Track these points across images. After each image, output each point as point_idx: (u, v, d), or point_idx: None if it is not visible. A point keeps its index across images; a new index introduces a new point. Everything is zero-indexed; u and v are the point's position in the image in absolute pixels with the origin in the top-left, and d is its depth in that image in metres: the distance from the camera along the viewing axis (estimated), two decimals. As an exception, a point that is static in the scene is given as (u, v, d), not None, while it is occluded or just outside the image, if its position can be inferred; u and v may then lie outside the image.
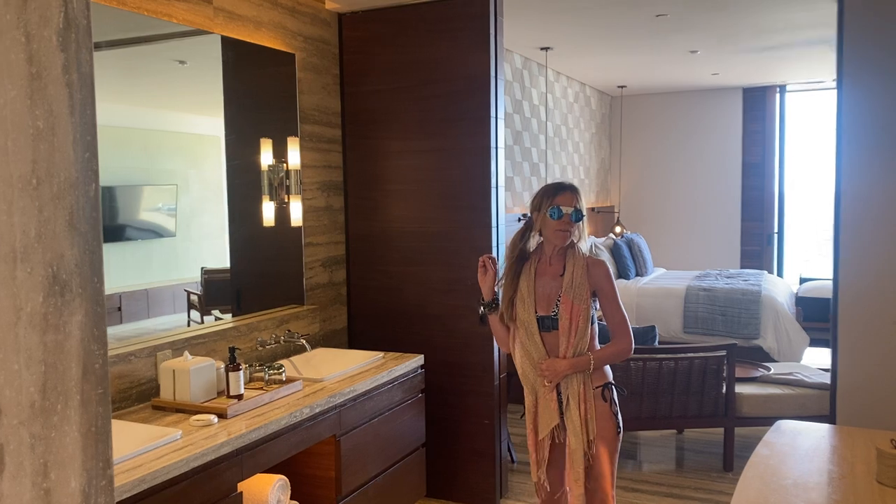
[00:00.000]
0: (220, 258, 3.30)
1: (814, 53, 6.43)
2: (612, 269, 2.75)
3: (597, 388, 2.64)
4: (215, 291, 3.29)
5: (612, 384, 2.68)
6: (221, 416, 2.54)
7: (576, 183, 8.06)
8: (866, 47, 2.89)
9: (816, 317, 6.87)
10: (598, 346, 2.68)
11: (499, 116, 3.73)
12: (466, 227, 3.75)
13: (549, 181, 7.14)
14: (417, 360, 3.45)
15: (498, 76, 3.71)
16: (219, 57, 3.22)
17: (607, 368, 2.70)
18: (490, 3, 3.65)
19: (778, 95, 8.69)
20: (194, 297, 3.17)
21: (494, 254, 3.70)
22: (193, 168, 3.17)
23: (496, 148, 3.71)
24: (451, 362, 3.79)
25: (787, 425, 2.70)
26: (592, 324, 2.66)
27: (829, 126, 8.49)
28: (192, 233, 3.15)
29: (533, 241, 2.75)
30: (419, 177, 3.86)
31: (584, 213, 2.66)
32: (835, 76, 6.90)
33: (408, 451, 3.36)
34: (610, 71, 7.49)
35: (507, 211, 6.05)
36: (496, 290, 2.78)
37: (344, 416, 2.91)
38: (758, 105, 8.75)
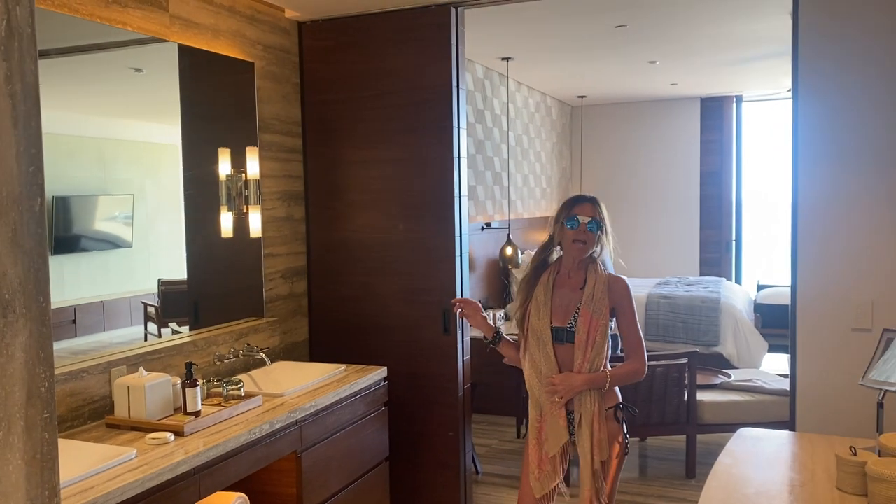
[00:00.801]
0: (178, 269, 3.23)
1: (770, 64, 6.57)
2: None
3: (609, 409, 2.61)
4: (173, 303, 3.22)
5: (623, 405, 2.65)
6: (178, 433, 2.47)
7: (537, 192, 8.13)
8: (820, 60, 2.95)
9: (774, 323, 6.99)
10: (609, 366, 2.62)
11: (461, 126, 3.72)
12: (430, 236, 3.72)
13: (512, 190, 7.21)
14: (380, 373, 3.40)
15: (460, 86, 3.70)
16: (176, 65, 3.15)
17: (617, 388, 2.66)
18: (451, 13, 3.64)
19: (735, 105, 8.85)
20: (152, 310, 3.09)
21: (458, 262, 3.68)
22: (150, 177, 3.10)
23: (458, 158, 3.70)
24: (414, 373, 3.76)
25: (748, 433, 2.73)
26: (608, 341, 2.61)
27: (785, 135, 8.69)
28: (150, 243, 3.08)
29: (554, 255, 2.73)
30: (382, 186, 3.83)
31: (606, 225, 2.61)
32: (790, 87, 7.06)
33: (371, 466, 3.31)
34: (570, 81, 7.55)
35: (471, 220, 6.04)
36: (496, 324, 2.75)
37: (305, 432, 2.85)
38: (715, 115, 8.90)
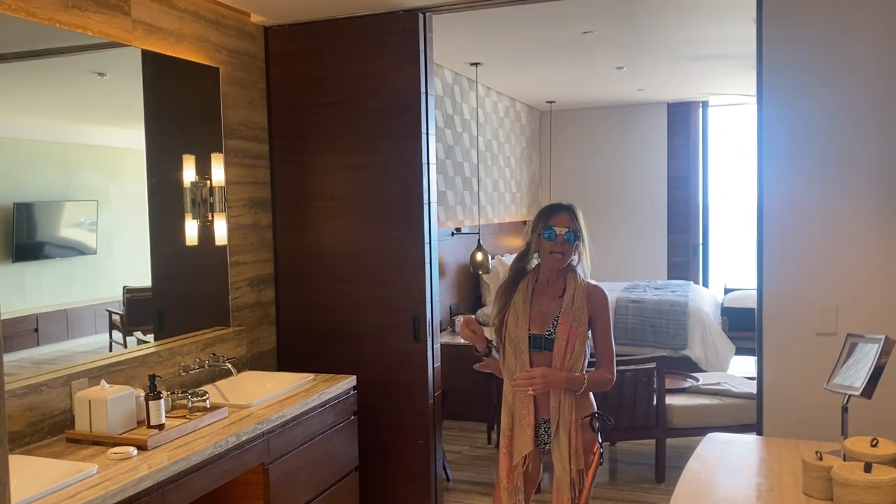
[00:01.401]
0: (143, 277, 3.17)
1: (735, 70, 6.65)
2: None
3: (584, 418, 2.61)
4: (138, 311, 3.15)
5: (598, 413, 2.66)
6: (141, 447, 2.41)
7: (507, 197, 8.13)
8: (784, 65, 2.99)
9: (741, 326, 7.07)
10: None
11: (430, 132, 3.70)
12: (399, 243, 3.69)
13: (482, 195, 7.21)
14: (349, 382, 3.37)
15: (428, 92, 3.69)
16: (139, 69, 3.09)
17: (592, 398, 2.67)
18: (419, 18, 3.62)
19: (701, 111, 8.96)
20: (117, 318, 3.02)
21: (428, 269, 3.66)
22: (115, 183, 3.04)
23: (427, 164, 3.68)
24: (384, 381, 3.72)
25: (717, 438, 2.74)
26: (586, 349, 2.62)
27: (750, 140, 8.81)
28: (115, 250, 3.02)
29: (533, 262, 2.72)
30: (350, 193, 3.79)
31: (583, 234, 2.60)
32: (755, 92, 7.13)
33: (340, 476, 3.27)
34: (539, 86, 7.58)
35: (441, 225, 6.03)
36: (488, 337, 2.73)
37: (272, 443, 2.80)
38: (682, 120, 9.00)
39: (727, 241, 9.19)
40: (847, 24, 2.87)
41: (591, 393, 2.67)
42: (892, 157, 2.79)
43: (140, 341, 3.12)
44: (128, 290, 3.09)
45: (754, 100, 8.04)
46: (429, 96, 3.69)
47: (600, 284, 2.68)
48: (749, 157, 8.85)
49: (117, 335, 3.02)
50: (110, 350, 2.95)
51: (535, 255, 2.70)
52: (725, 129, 9.12)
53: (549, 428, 2.61)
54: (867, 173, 2.86)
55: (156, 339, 3.18)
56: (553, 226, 2.58)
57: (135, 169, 3.11)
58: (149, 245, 3.17)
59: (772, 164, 3.03)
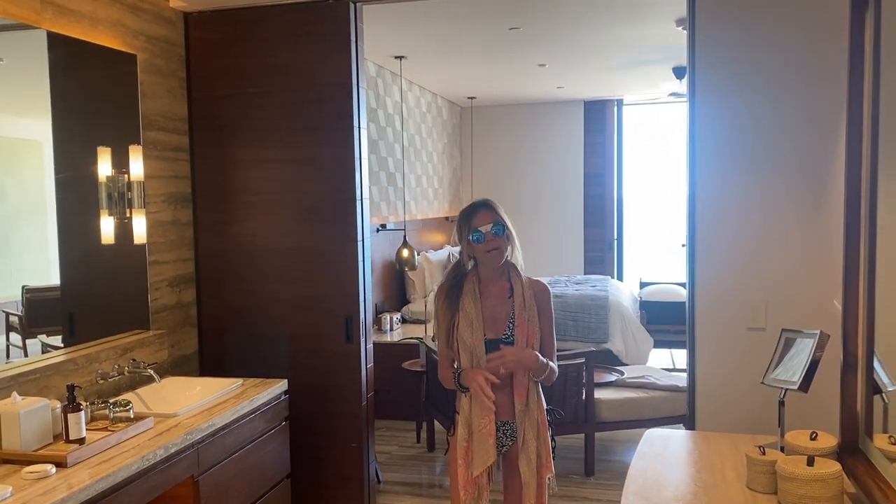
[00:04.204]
0: (46, 275, 2.93)
1: (650, 70, 6.81)
2: None
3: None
4: (41, 312, 2.92)
5: (550, 408, 2.68)
6: (60, 465, 2.21)
7: (430, 193, 8.08)
8: (716, 63, 3.03)
9: (658, 319, 7.27)
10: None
11: (361, 126, 3.60)
12: (330, 240, 3.57)
13: (406, 191, 7.12)
14: (280, 386, 3.23)
15: (360, 84, 3.58)
16: (45, 55, 2.85)
17: (543, 395, 2.65)
18: (350, 8, 3.51)
19: (616, 109, 9.16)
20: (14, 319, 2.78)
21: (360, 268, 3.56)
22: (10, 175, 2.79)
23: (360, 159, 3.57)
24: (315, 385, 3.59)
25: (656, 434, 2.76)
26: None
27: (665, 137, 9.09)
28: (11, 247, 2.78)
29: (469, 265, 2.64)
30: (278, 188, 3.64)
31: (508, 224, 2.55)
32: (671, 91, 7.31)
33: (272, 485, 3.14)
34: (461, 82, 7.56)
35: (364, 221, 5.91)
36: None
37: (202, 454, 2.65)
38: (598, 117, 9.18)
39: (640, 236, 9.45)
40: (777, 22, 2.94)
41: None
42: (821, 154, 2.88)
43: (45, 345, 2.89)
44: (27, 290, 2.85)
45: (668, 98, 8.25)
46: (360, 89, 3.58)
47: (542, 280, 2.66)
48: (662, 153, 9.14)
49: (15, 338, 2.77)
50: (7, 356, 2.70)
51: (471, 260, 2.64)
52: (639, 126, 9.37)
53: (507, 430, 2.57)
54: (796, 171, 2.94)
55: (66, 344, 2.95)
56: (478, 227, 2.53)
57: (35, 161, 2.87)
58: (56, 242, 2.94)
59: (703, 162, 3.08)
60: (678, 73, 6.57)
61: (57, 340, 2.94)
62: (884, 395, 2.20)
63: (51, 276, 2.97)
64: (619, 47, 5.80)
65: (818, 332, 2.38)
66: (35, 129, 2.87)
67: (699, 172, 3.09)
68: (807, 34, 2.89)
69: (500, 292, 2.58)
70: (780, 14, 2.94)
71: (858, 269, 2.32)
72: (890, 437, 2.05)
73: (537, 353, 2.53)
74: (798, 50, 2.92)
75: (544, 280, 7.64)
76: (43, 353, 2.85)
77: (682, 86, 6.59)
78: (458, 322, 2.53)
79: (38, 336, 2.90)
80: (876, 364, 2.22)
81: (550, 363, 2.58)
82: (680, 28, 4.92)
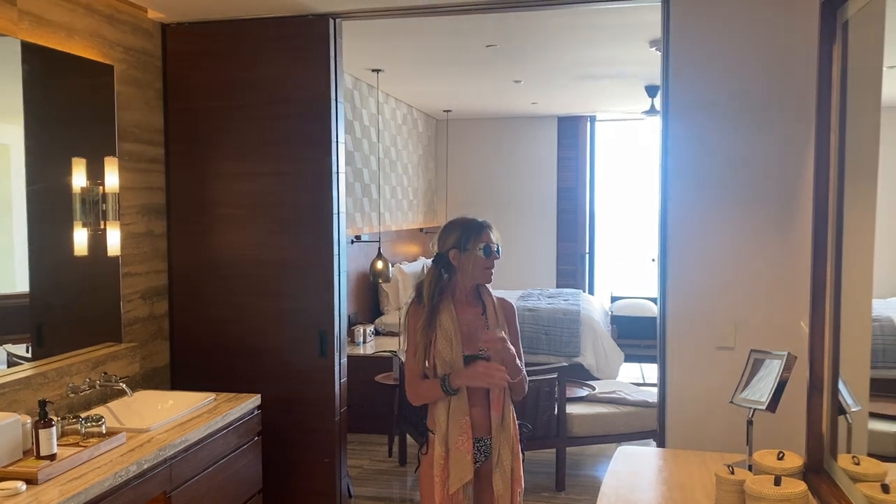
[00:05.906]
0: (9, 283, 2.89)
1: (623, 88, 6.91)
2: None
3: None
4: (3, 321, 2.87)
5: (520, 423, 2.71)
6: (31, 482, 2.19)
7: (404, 204, 8.10)
8: (689, 84, 3.08)
9: (629, 334, 7.35)
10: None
11: (339, 140, 3.61)
12: (306, 254, 3.57)
13: (381, 202, 7.12)
14: (254, 401, 3.22)
15: (338, 99, 3.59)
16: (18, 63, 2.83)
17: (513, 407, 2.68)
18: (330, 24, 3.52)
19: (589, 125, 9.28)
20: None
21: (336, 281, 3.56)
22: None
23: (337, 173, 3.58)
24: (289, 399, 3.58)
25: (627, 451, 2.80)
26: None
27: (636, 153, 9.23)
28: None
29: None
30: (254, 201, 3.63)
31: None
32: (644, 109, 7.40)
33: (244, 500, 3.12)
34: (437, 95, 7.60)
35: (339, 234, 5.91)
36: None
37: (175, 470, 2.63)
38: (571, 133, 9.28)
39: (612, 250, 9.56)
40: (752, 45, 3.00)
41: None
42: (790, 179, 2.94)
43: (11, 354, 2.84)
44: (-9, 297, 2.81)
45: (641, 115, 8.34)
46: (339, 104, 3.59)
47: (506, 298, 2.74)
48: (634, 170, 9.26)
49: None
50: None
51: (449, 272, 2.65)
52: (611, 142, 9.49)
53: (482, 447, 2.59)
54: (766, 193, 3.00)
55: (35, 356, 2.91)
56: (487, 243, 2.57)
57: (2, 164, 2.83)
58: (25, 252, 2.89)
59: (675, 182, 3.12)
60: (650, 91, 6.68)
61: (22, 349, 2.90)
62: (847, 415, 2.26)
63: (17, 284, 2.92)
64: (592, 65, 5.89)
65: (786, 353, 2.44)
66: (4, 131, 2.84)
67: (671, 191, 3.13)
68: (779, 60, 2.96)
69: (474, 310, 2.62)
70: (753, 39, 3.00)
71: (825, 292, 2.39)
72: (854, 457, 2.11)
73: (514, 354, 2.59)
74: (770, 76, 2.98)
75: (517, 292, 7.72)
76: (9, 363, 2.81)
77: (654, 103, 6.70)
78: (436, 339, 2.55)
79: (3, 345, 2.85)
80: (841, 385, 2.29)
81: (523, 370, 2.65)
82: (653, 49, 5.00)
